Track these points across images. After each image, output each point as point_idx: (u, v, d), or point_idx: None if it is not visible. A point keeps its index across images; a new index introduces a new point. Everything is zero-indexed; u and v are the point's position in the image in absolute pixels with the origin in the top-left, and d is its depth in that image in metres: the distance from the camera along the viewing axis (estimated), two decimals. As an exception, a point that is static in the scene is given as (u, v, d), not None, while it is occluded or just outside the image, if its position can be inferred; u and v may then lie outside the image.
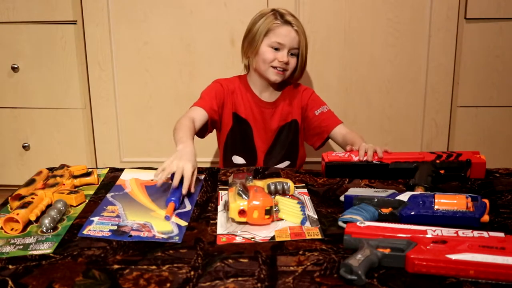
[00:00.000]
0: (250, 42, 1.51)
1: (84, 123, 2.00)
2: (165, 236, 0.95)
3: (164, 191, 1.16)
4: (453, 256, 0.80)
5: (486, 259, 0.79)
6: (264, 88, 1.56)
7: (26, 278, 0.81)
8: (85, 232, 0.97)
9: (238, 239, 0.94)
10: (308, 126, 1.58)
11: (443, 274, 0.80)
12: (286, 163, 1.59)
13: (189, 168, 1.15)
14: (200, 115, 1.44)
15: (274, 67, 1.49)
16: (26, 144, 2.03)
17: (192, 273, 0.82)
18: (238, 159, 1.58)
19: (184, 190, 1.12)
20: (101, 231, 0.97)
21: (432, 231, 0.86)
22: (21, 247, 0.92)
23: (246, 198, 0.99)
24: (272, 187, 1.13)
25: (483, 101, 1.90)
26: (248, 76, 1.58)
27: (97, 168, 1.32)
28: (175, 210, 1.06)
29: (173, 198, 1.07)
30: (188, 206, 1.09)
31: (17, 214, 0.98)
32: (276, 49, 1.48)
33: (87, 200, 1.12)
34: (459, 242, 0.83)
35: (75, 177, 1.21)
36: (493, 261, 0.78)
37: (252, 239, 0.93)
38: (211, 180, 1.25)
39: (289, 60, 1.48)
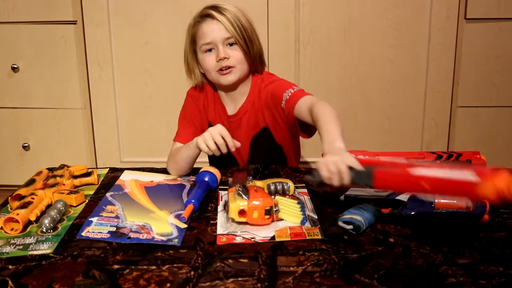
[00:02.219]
0: (186, 60, 1.35)
1: (84, 123, 2.00)
2: (164, 238, 0.95)
3: (164, 193, 1.16)
4: (414, 171, 0.81)
5: (444, 174, 0.79)
6: (231, 99, 1.37)
7: (26, 278, 0.81)
8: (83, 233, 0.97)
9: (238, 239, 0.94)
10: (286, 120, 1.32)
11: (403, 189, 0.79)
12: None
13: (221, 127, 1.14)
14: None
15: (218, 71, 1.28)
16: (26, 144, 2.03)
17: (192, 273, 0.82)
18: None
19: (232, 147, 1.13)
20: (100, 232, 0.97)
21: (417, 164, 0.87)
22: (21, 247, 0.92)
23: (246, 198, 0.99)
24: (272, 187, 1.13)
25: (483, 101, 1.90)
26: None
27: (97, 168, 1.32)
28: (193, 212, 1.05)
29: (192, 200, 1.06)
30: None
31: (17, 214, 0.97)
32: (210, 50, 1.28)
33: (87, 200, 1.12)
34: (430, 165, 0.83)
35: (75, 177, 1.21)
36: (450, 176, 0.78)
37: (252, 239, 0.93)
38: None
39: (229, 53, 1.27)
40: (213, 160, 1.30)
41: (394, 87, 1.92)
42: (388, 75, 1.91)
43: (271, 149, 1.38)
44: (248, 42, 1.28)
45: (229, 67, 1.28)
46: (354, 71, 1.91)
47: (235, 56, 1.27)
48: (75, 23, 1.91)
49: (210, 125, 1.35)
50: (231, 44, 1.28)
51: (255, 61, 1.33)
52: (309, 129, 1.28)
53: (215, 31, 1.26)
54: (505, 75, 1.87)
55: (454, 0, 1.82)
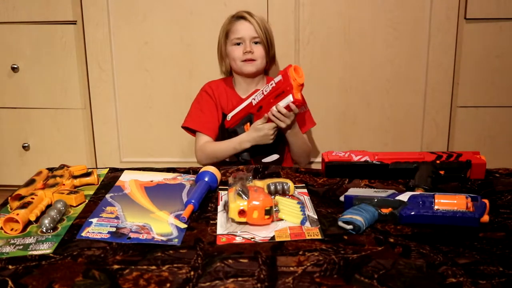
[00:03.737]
0: (219, 50, 1.66)
1: (84, 123, 2.00)
2: (164, 239, 0.95)
3: (164, 193, 1.16)
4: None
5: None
6: (248, 86, 1.63)
7: (26, 278, 0.81)
8: (83, 234, 0.97)
9: (238, 239, 0.94)
10: None
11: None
12: (275, 156, 1.59)
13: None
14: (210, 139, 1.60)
15: (243, 61, 1.57)
16: (26, 144, 2.02)
17: (192, 273, 0.82)
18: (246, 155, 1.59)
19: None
20: (100, 233, 0.97)
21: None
22: (21, 247, 0.92)
23: (246, 198, 0.99)
24: (272, 187, 1.13)
25: (483, 101, 1.90)
26: (232, 80, 1.68)
27: (97, 168, 1.32)
28: (193, 212, 1.05)
29: (192, 200, 1.06)
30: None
31: (17, 214, 0.98)
32: (238, 44, 1.58)
33: (87, 200, 1.12)
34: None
35: (75, 177, 1.21)
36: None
37: (252, 239, 0.93)
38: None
39: (254, 48, 1.57)
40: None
41: (394, 87, 1.92)
42: (388, 75, 1.91)
43: (279, 136, 1.55)
44: (269, 43, 1.60)
45: (252, 60, 1.57)
46: (354, 71, 1.91)
47: (258, 52, 1.58)
48: (75, 23, 1.90)
49: (224, 115, 1.60)
50: (255, 43, 1.58)
51: (271, 61, 1.65)
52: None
53: (246, 29, 1.57)
54: (505, 75, 1.87)
55: (454, 0, 1.81)
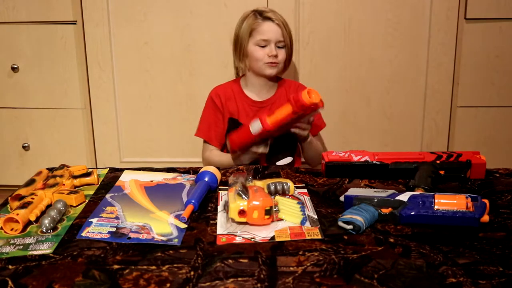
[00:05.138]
0: (239, 46, 1.59)
1: (84, 123, 2.00)
2: (164, 239, 0.95)
3: (164, 193, 1.15)
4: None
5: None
6: (262, 87, 1.62)
7: (26, 278, 0.81)
8: (83, 234, 0.97)
9: (238, 239, 0.94)
10: None
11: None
12: (289, 159, 1.59)
13: None
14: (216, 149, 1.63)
15: (267, 63, 1.55)
16: (26, 144, 2.03)
17: (192, 273, 0.82)
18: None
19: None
20: (100, 233, 0.97)
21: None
22: (21, 247, 0.92)
23: (246, 198, 0.99)
24: (272, 187, 1.13)
25: (483, 101, 1.90)
26: (242, 79, 1.65)
27: (97, 168, 1.32)
28: (193, 212, 1.05)
29: (192, 200, 1.06)
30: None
31: (17, 214, 0.97)
32: (263, 46, 1.55)
33: (87, 200, 1.12)
34: None
35: (75, 177, 1.21)
36: None
37: (252, 239, 0.93)
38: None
39: (278, 52, 1.55)
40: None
41: (394, 87, 1.92)
42: (388, 75, 1.91)
43: (289, 135, 1.53)
44: (291, 48, 1.60)
45: (275, 63, 1.55)
46: (354, 71, 1.91)
47: (281, 56, 1.57)
48: (75, 23, 1.91)
49: (231, 119, 1.60)
50: (279, 46, 1.56)
51: (289, 62, 1.63)
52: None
53: (273, 32, 1.54)
54: (505, 75, 1.87)
55: (454, 0, 1.81)
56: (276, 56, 1.54)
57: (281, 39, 1.55)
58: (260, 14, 1.56)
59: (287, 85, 1.65)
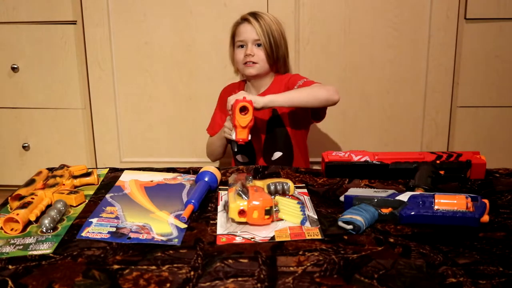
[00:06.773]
0: (229, 52, 1.66)
1: (84, 123, 2.00)
2: (164, 239, 0.95)
3: (164, 193, 1.15)
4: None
5: None
6: (258, 87, 1.64)
7: (26, 278, 0.81)
8: (83, 234, 0.97)
9: (238, 239, 0.94)
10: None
11: None
12: (278, 154, 1.60)
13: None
14: None
15: (244, 63, 1.58)
16: (26, 144, 2.03)
17: (192, 273, 0.82)
18: (240, 157, 1.65)
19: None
20: (100, 233, 0.97)
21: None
22: (21, 247, 0.92)
23: (246, 198, 0.99)
24: (272, 187, 1.13)
25: (483, 101, 1.90)
26: (245, 82, 1.70)
27: (97, 168, 1.32)
28: (193, 212, 1.05)
29: (192, 200, 1.06)
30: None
31: (17, 214, 0.98)
32: (242, 46, 1.59)
33: (87, 200, 1.12)
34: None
35: (75, 177, 1.21)
36: None
37: (252, 239, 0.93)
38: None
39: (255, 51, 1.56)
40: (241, 149, 1.62)
41: (394, 87, 1.92)
42: (388, 75, 1.91)
43: (279, 131, 1.60)
44: (273, 46, 1.56)
45: (253, 62, 1.56)
46: (354, 71, 1.91)
47: (259, 54, 1.56)
48: (75, 23, 1.91)
49: None
50: (258, 45, 1.56)
51: (278, 62, 1.60)
52: (318, 115, 1.57)
53: (248, 32, 1.56)
54: (505, 75, 1.87)
55: (454, 0, 1.81)
56: (252, 55, 1.55)
57: (256, 38, 1.55)
58: (242, 18, 1.60)
59: (280, 80, 1.62)
